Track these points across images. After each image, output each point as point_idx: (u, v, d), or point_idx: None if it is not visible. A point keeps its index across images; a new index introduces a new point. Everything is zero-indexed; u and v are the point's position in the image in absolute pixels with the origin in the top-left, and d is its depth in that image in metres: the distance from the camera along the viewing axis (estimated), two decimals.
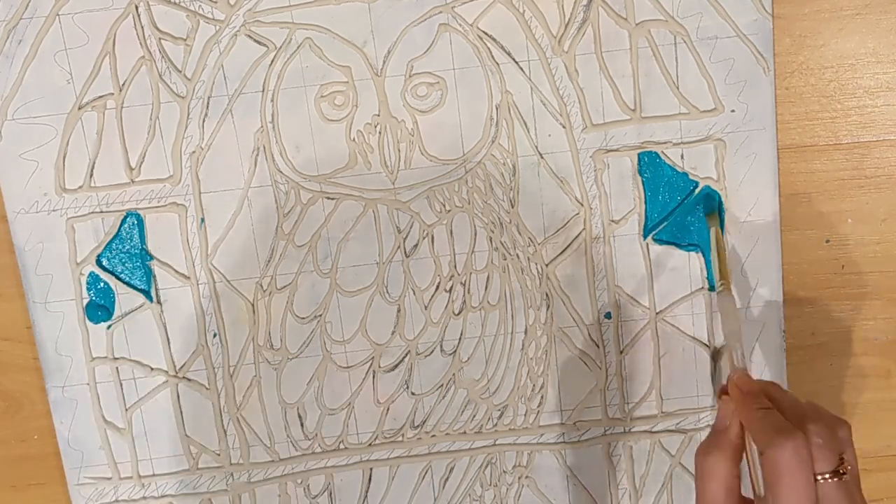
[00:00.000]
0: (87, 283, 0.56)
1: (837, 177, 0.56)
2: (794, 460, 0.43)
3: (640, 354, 0.58)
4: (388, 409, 0.59)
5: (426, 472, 0.60)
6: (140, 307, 0.57)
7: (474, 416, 0.59)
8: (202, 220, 0.56)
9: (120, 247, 0.56)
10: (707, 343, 0.58)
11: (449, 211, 0.56)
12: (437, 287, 0.57)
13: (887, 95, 0.55)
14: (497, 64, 0.54)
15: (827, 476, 0.44)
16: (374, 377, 0.58)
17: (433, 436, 0.59)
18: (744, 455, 0.47)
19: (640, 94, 0.55)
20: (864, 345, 0.58)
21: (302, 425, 0.59)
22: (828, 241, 0.57)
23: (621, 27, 0.54)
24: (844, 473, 0.44)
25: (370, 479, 0.60)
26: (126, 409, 0.58)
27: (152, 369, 0.57)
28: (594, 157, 0.56)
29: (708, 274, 0.57)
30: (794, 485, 0.43)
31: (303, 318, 0.57)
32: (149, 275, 0.56)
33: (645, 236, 0.57)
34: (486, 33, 0.54)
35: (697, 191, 0.56)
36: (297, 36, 0.54)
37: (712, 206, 0.55)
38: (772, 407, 0.46)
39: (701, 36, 0.54)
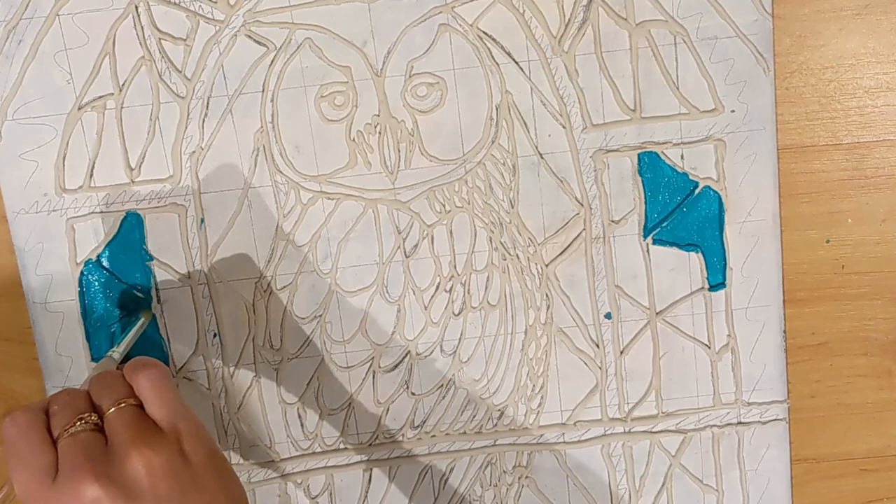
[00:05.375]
0: (86, 284, 0.56)
1: (837, 177, 0.56)
2: (10, 431, 0.43)
3: (639, 354, 0.58)
4: (388, 410, 0.59)
5: (426, 472, 0.60)
6: (140, 307, 0.57)
7: (474, 416, 0.59)
8: (202, 220, 0.56)
9: (120, 247, 0.56)
10: (707, 343, 0.58)
11: (449, 211, 0.56)
12: (437, 287, 0.57)
13: (887, 95, 0.55)
14: (497, 64, 0.54)
15: (58, 437, 0.43)
16: (373, 377, 0.58)
17: (433, 436, 0.59)
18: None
19: (640, 94, 0.55)
20: (864, 345, 0.58)
21: (302, 425, 0.59)
22: (828, 241, 0.57)
23: (621, 27, 0.54)
24: (80, 423, 0.43)
25: (370, 480, 0.60)
26: None
27: None
28: (594, 157, 0.56)
29: (708, 274, 0.57)
30: (14, 452, 0.43)
31: (303, 318, 0.57)
32: (149, 275, 0.56)
33: (645, 236, 0.57)
34: (486, 33, 0.54)
35: (697, 191, 0.56)
36: (297, 36, 0.54)
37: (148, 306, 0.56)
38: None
39: (701, 36, 0.54)
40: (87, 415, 0.44)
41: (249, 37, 0.54)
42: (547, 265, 0.57)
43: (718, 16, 0.54)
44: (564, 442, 0.59)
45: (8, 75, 0.54)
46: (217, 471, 0.44)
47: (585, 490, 0.60)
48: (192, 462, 0.43)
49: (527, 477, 0.60)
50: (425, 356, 0.58)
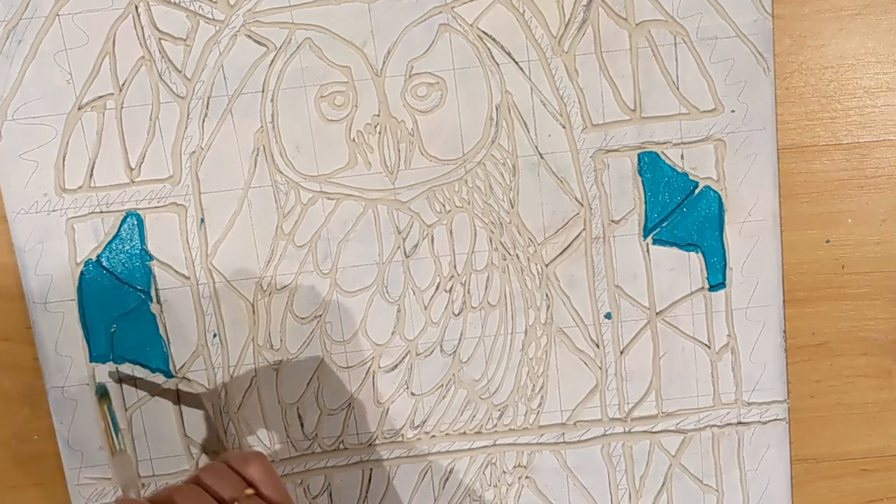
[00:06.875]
0: (86, 284, 0.56)
1: (837, 177, 0.56)
2: None
3: (639, 354, 0.58)
4: (387, 410, 0.59)
5: (426, 472, 0.60)
6: (140, 307, 0.57)
7: (474, 416, 0.59)
8: (202, 220, 0.56)
9: (120, 247, 0.56)
10: (707, 343, 0.58)
11: (449, 211, 0.56)
12: (437, 287, 0.57)
13: (887, 95, 0.55)
14: (497, 64, 0.54)
15: None
16: (373, 377, 0.58)
17: (433, 436, 0.59)
18: None
19: (640, 94, 0.55)
20: (864, 345, 0.58)
21: (301, 426, 0.59)
22: (828, 241, 0.57)
23: (621, 27, 0.54)
24: None
25: (370, 480, 0.60)
26: (126, 409, 0.58)
27: (152, 369, 0.57)
28: (594, 157, 0.56)
29: (708, 274, 0.57)
30: None
31: (303, 319, 0.57)
32: (149, 275, 0.56)
33: (645, 236, 0.57)
34: (486, 33, 0.54)
35: (697, 191, 0.56)
36: (297, 36, 0.54)
37: (102, 390, 0.55)
38: None
39: (701, 36, 0.54)
40: None
41: (249, 37, 0.54)
42: (547, 265, 0.57)
43: (718, 16, 0.54)
44: (564, 442, 0.59)
45: (8, 75, 0.54)
46: None
47: (585, 490, 0.60)
48: None
49: (527, 477, 0.60)
50: (425, 356, 0.58)
